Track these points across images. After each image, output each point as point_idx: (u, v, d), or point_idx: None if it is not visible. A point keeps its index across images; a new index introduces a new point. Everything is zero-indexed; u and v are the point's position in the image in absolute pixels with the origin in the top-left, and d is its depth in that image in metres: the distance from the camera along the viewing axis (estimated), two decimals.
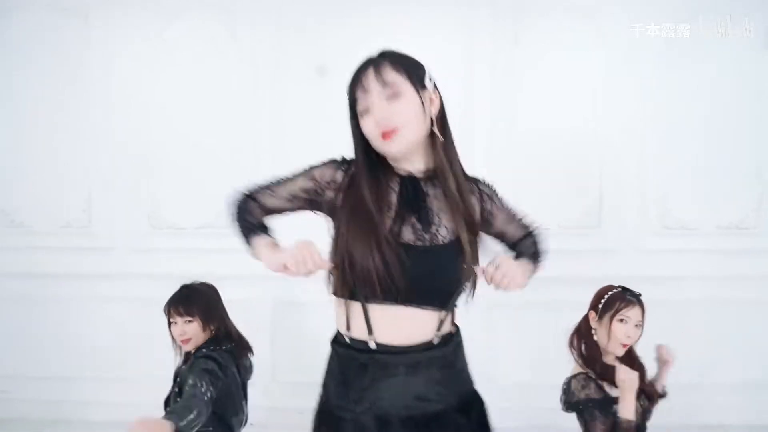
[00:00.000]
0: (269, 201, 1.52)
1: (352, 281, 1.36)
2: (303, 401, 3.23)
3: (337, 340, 1.51)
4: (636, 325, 2.21)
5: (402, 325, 1.40)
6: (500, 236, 1.63)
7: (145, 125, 3.53)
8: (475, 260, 1.44)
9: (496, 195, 1.58)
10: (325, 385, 1.55)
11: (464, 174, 1.50)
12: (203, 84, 3.61)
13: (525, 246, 1.64)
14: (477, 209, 1.51)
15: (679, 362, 3.44)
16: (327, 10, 3.52)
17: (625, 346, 2.19)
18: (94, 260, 3.55)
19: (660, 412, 3.56)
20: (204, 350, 2.30)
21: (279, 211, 1.54)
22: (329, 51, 3.50)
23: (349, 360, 1.44)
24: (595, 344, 2.21)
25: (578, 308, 2.76)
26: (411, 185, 1.45)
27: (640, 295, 2.33)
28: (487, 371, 3.51)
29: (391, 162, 1.46)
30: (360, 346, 1.42)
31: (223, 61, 3.57)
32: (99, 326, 3.60)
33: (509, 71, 3.56)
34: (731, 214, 3.64)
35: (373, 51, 1.46)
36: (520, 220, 1.64)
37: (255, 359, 3.74)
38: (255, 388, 3.60)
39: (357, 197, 1.40)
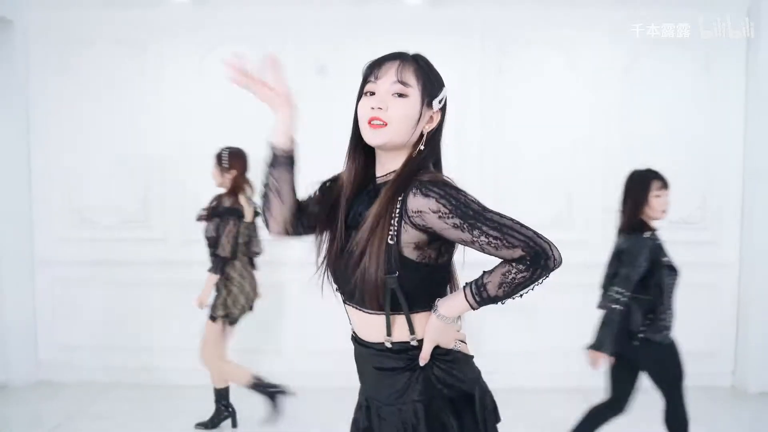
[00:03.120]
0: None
1: None
2: (330, 367, 3.87)
3: None
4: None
5: (357, 323, 1.45)
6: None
7: (190, 137, 4.07)
8: (378, 266, 1.31)
9: (442, 198, 1.29)
10: None
11: (412, 178, 1.36)
12: (236, 102, 3.91)
13: (496, 275, 1.33)
14: (420, 213, 1.30)
15: None
16: (338, 42, 4.09)
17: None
18: (150, 249, 4.10)
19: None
20: None
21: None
22: (340, 75, 3.99)
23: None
24: None
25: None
26: (374, 190, 1.42)
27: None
28: (476, 341, 4.10)
29: (377, 164, 1.45)
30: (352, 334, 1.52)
31: None
32: (154, 304, 4.15)
33: (495, 95, 4.15)
34: (680, 211, 4.03)
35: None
36: (497, 237, 1.29)
37: (291, 332, 4.24)
38: (284, 357, 4.17)
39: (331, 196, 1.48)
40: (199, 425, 3.51)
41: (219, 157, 3.45)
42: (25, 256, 4.24)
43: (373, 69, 1.41)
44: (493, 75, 4.15)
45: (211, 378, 3.51)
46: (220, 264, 3.32)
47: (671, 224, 3.99)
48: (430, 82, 1.40)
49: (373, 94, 1.39)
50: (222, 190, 3.43)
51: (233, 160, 3.45)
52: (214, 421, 3.52)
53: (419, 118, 1.38)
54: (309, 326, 4.22)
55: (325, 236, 1.47)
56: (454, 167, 3.82)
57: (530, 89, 4.14)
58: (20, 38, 4.12)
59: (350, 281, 1.37)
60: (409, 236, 1.33)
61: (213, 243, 3.37)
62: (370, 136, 1.37)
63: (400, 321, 1.38)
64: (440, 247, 1.37)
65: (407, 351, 1.39)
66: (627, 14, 4.03)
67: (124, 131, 4.20)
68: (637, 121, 4.13)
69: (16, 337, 4.22)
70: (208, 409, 3.56)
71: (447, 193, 1.30)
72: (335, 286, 1.46)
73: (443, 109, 1.44)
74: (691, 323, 4.01)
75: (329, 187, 1.51)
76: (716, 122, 4.16)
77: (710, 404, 3.91)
